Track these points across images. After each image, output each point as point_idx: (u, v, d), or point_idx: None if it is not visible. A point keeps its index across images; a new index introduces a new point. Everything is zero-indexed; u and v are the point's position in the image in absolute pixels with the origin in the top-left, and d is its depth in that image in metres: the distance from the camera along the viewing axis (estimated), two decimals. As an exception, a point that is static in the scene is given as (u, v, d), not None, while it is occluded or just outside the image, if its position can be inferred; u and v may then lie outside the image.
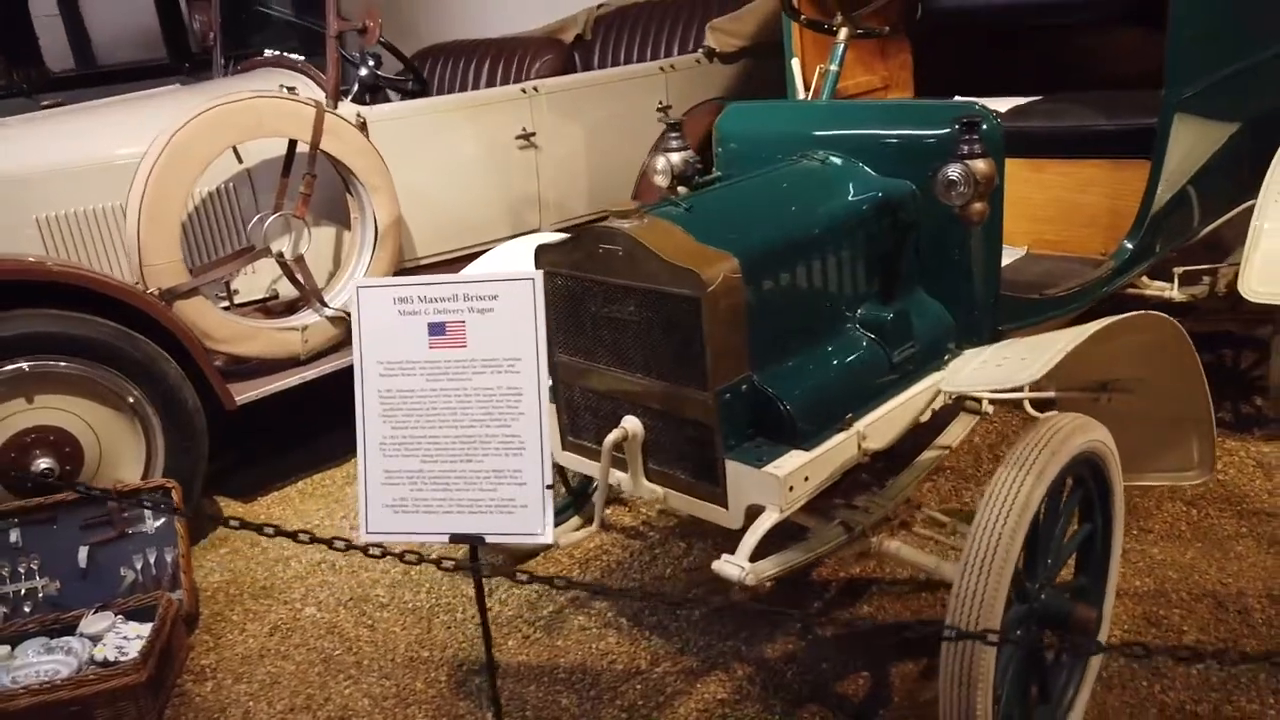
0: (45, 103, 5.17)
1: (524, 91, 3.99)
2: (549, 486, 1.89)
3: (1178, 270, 2.93)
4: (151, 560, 2.75)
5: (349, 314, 3.48)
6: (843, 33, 2.84)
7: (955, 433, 2.35)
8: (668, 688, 2.35)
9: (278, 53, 3.94)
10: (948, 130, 2.12)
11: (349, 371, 3.64)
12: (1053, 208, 2.90)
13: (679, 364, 1.94)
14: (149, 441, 3.04)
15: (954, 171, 2.03)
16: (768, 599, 2.62)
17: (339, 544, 1.95)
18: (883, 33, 2.97)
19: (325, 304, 3.40)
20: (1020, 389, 1.85)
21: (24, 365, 2.78)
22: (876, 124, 2.31)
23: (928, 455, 2.29)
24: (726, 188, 2.28)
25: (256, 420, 3.42)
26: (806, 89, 3.21)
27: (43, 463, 2.84)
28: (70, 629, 2.57)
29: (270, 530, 1.98)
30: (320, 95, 3.44)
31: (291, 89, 3.44)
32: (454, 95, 3.96)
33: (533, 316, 1.88)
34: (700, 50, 4.58)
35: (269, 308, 3.61)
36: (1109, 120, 2.73)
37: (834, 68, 2.85)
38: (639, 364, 2.03)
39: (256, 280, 3.57)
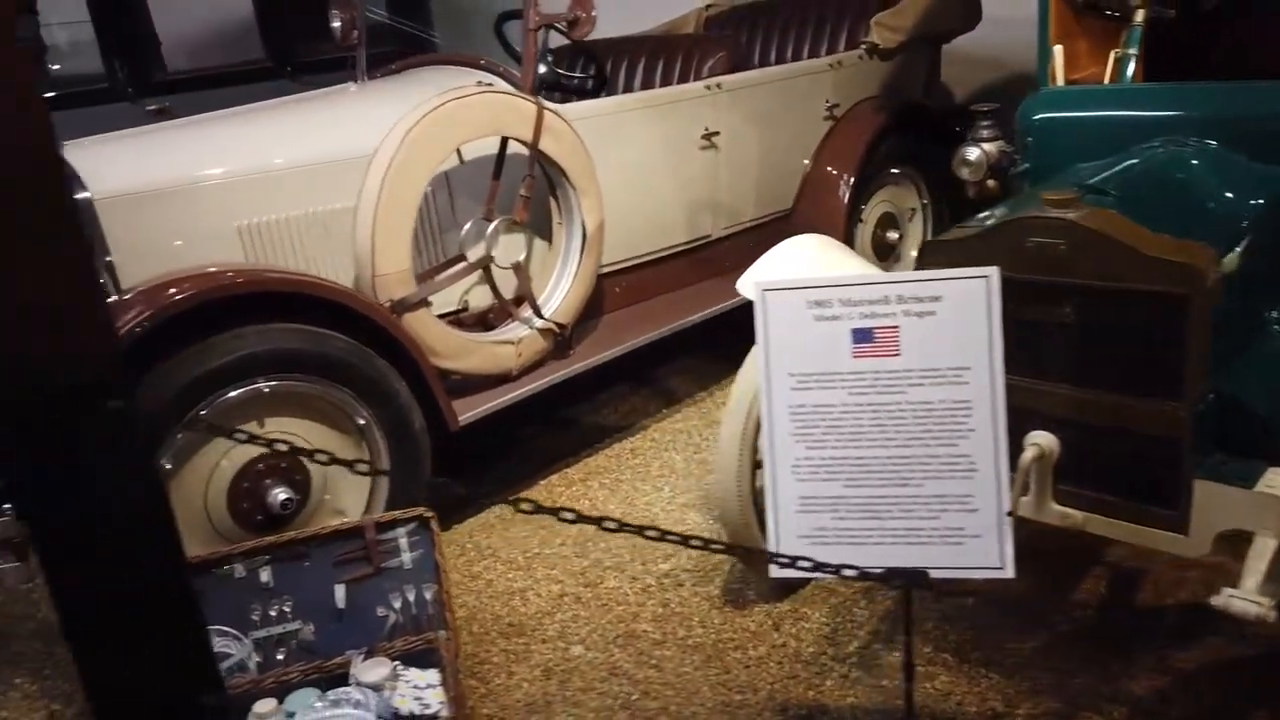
0: (150, 107, 4.90)
1: (708, 89, 3.77)
2: (1009, 514, 1.66)
3: None
4: (410, 598, 2.49)
5: (561, 326, 3.24)
6: (1139, 14, 2.64)
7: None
8: (1042, 733, 2.12)
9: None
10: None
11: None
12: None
13: (1137, 372, 1.72)
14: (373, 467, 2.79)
15: None
16: (1091, 628, 2.42)
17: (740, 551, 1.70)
18: (1168, 15, 2.78)
19: (542, 315, 3.16)
20: None
21: (263, 385, 2.52)
22: (1262, 105, 2.11)
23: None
24: (1113, 176, 2.06)
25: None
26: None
27: (280, 493, 2.57)
28: (337, 678, 2.31)
29: (676, 538, 1.73)
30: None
31: (488, 86, 3.20)
32: (643, 93, 3.74)
33: (986, 319, 1.66)
34: (862, 46, 4.38)
35: (461, 320, 3.36)
36: None
37: (1132, 51, 2.65)
38: (1064, 373, 1.82)
39: (449, 291, 3.32)
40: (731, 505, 2.43)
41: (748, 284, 2.48)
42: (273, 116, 3.21)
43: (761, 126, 4.01)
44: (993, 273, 1.65)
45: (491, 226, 3.04)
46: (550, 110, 3.07)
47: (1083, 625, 2.45)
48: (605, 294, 3.74)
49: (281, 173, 2.93)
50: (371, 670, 2.29)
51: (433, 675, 2.29)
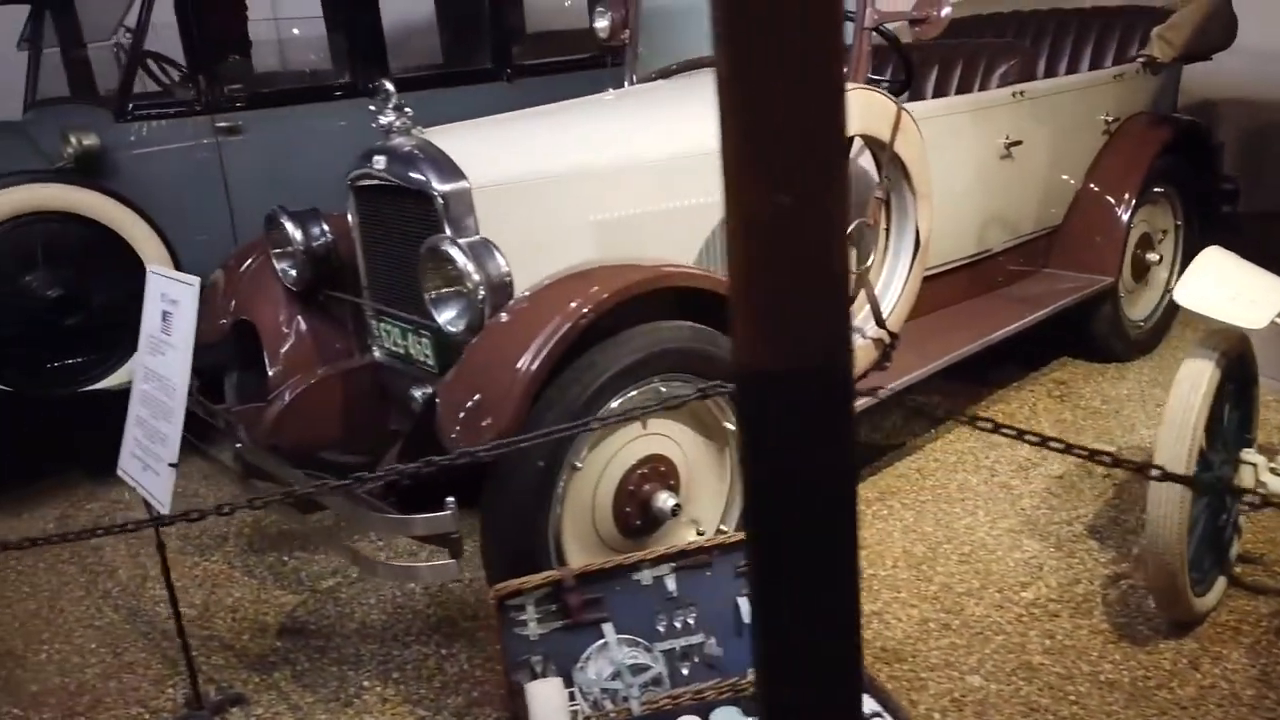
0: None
1: (1014, 96, 3.63)
2: None
3: None
4: (811, 616, 2.35)
5: (893, 336, 3.10)
6: None
7: None
8: None
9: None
10: None
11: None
12: None
13: None
14: (730, 475, 2.67)
15: None
16: None
17: None
18: None
19: (883, 324, 3.02)
20: None
21: (659, 385, 2.41)
22: None
23: None
24: None
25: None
26: None
27: (669, 499, 2.46)
28: (750, 697, 2.18)
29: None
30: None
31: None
32: (957, 97, 3.61)
33: None
34: (1139, 59, 4.20)
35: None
36: None
37: None
38: None
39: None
40: (1166, 562, 2.28)
41: (1194, 294, 2.33)
42: (605, 113, 3.13)
43: (1053, 137, 3.86)
44: None
45: (850, 230, 2.91)
46: (907, 112, 2.94)
47: None
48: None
49: (634, 168, 2.83)
50: (799, 692, 2.15)
51: (870, 704, 2.15)
